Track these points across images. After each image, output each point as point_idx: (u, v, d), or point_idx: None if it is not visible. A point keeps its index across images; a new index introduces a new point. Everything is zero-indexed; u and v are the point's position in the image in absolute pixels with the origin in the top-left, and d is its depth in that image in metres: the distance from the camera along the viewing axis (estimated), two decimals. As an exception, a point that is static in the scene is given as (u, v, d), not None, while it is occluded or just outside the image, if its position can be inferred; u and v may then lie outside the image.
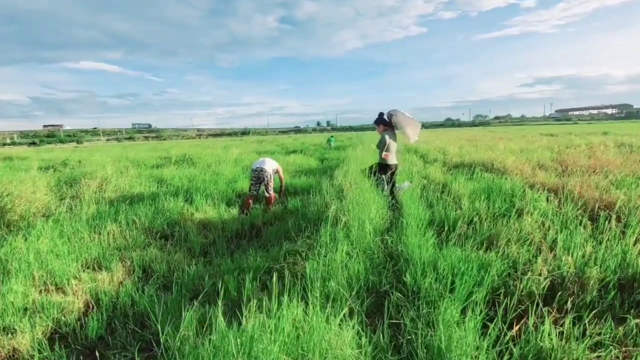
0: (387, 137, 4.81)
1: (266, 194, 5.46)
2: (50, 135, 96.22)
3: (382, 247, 3.11)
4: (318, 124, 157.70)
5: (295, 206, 5.33)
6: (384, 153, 4.80)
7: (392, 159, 4.86)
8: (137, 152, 16.00)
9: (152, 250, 3.75)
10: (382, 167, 4.88)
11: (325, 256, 2.66)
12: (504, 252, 2.85)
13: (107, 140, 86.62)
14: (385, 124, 4.94)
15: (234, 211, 5.34)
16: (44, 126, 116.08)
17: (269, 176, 5.42)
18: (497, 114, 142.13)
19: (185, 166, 9.28)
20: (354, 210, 3.56)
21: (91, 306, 2.80)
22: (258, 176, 5.41)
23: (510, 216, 3.60)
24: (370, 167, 5.17)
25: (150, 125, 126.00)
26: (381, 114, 4.97)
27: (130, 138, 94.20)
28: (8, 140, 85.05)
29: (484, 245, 3.07)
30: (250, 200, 5.47)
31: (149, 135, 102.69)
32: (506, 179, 5.60)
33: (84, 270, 3.41)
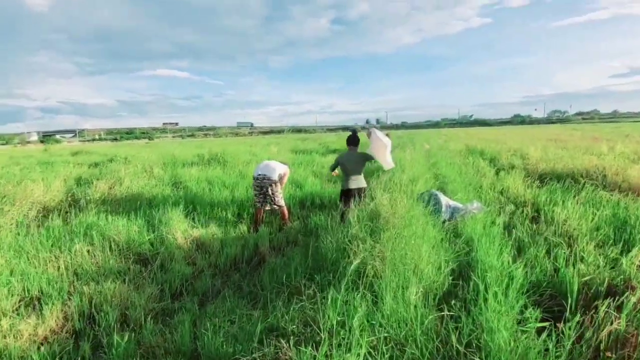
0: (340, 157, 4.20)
1: (274, 206, 4.28)
2: (129, 133, 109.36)
3: (438, 340, 1.66)
4: (367, 121, 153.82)
5: (317, 224, 4.05)
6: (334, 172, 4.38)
7: (346, 183, 4.03)
8: (185, 149, 16.13)
9: (110, 286, 2.74)
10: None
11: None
12: None
13: (173, 137, 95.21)
14: (349, 143, 4.19)
15: (244, 225, 4.27)
16: (164, 124, 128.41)
17: (273, 185, 4.23)
18: (580, 109, 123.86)
19: (215, 165, 8.55)
20: (392, 254, 2.15)
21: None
22: (260, 185, 4.25)
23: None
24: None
25: (252, 124, 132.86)
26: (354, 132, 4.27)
27: (191, 135, 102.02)
28: (96, 137, 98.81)
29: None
30: (260, 214, 4.34)
31: (208, 133, 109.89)
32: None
33: (15, 310, 2.55)
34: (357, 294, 1.83)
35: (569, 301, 1.83)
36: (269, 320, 1.98)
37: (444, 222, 3.12)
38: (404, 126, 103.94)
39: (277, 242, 3.84)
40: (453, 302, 1.86)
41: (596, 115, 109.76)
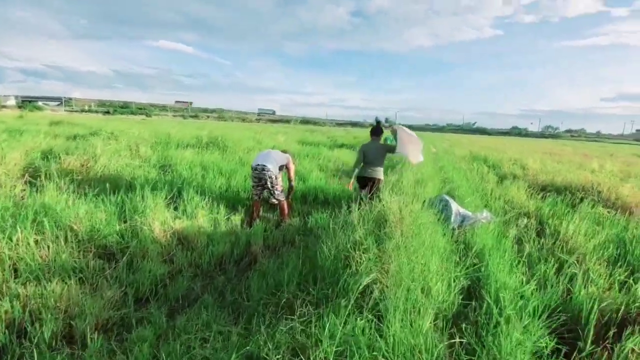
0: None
1: (273, 200, 4.10)
2: (124, 107, 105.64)
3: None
4: (377, 119, 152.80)
5: (319, 224, 3.91)
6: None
7: (362, 170, 4.21)
8: (184, 129, 15.73)
9: (56, 287, 2.21)
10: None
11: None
12: None
13: (174, 116, 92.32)
14: (373, 133, 4.36)
15: (237, 218, 4.08)
16: (176, 102, 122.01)
17: (273, 176, 4.01)
18: (569, 127, 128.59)
19: (213, 150, 8.34)
20: (399, 268, 2.04)
21: None
22: (259, 177, 4.02)
23: None
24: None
25: (274, 112, 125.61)
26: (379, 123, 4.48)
27: (195, 116, 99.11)
28: (86, 108, 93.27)
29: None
30: (257, 208, 4.16)
31: (212, 115, 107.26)
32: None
33: None
34: (361, 320, 1.64)
35: (585, 330, 1.77)
36: (249, 346, 1.69)
37: (452, 229, 3.05)
38: (412, 128, 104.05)
39: (273, 241, 3.62)
40: (464, 325, 1.76)
41: (582, 134, 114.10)
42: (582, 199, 4.69)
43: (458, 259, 2.42)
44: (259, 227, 3.71)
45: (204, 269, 3.04)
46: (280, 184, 4.13)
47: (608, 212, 4.19)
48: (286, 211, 4.22)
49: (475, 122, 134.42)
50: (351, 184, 4.36)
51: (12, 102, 75.39)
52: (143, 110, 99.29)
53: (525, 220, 3.61)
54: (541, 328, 1.74)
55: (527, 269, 2.46)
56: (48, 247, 2.70)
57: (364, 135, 19.84)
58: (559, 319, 1.83)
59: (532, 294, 2.03)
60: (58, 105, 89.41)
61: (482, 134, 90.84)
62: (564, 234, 3.20)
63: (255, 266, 3.04)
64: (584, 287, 2.18)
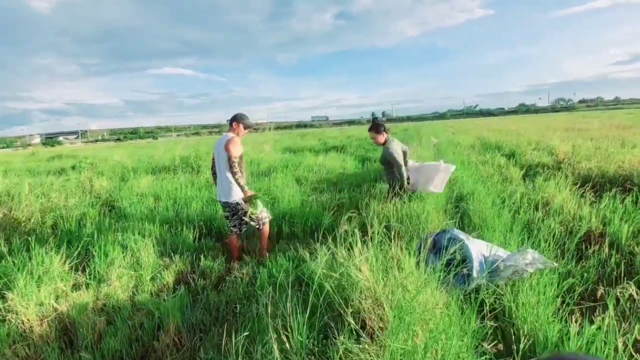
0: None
1: (255, 226, 3.16)
2: (134, 132, 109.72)
3: None
4: (373, 115, 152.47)
5: (283, 268, 2.61)
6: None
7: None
8: (170, 149, 14.80)
9: None
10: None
11: None
12: None
13: (178, 136, 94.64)
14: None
15: (171, 273, 2.86)
16: (225, 120, 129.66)
17: (237, 205, 3.08)
18: (583, 97, 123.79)
19: (179, 172, 7.21)
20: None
21: None
22: (230, 209, 3.12)
23: None
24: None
25: (327, 118, 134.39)
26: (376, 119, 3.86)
27: (196, 133, 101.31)
28: (99, 137, 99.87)
29: None
30: (234, 241, 3.19)
31: (213, 131, 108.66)
32: None
33: None
34: None
35: None
36: None
37: (477, 288, 1.73)
38: (409, 119, 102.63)
39: (200, 315, 2.35)
40: None
41: (600, 103, 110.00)
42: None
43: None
44: (177, 300, 2.43)
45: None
46: (258, 205, 3.11)
47: None
48: (265, 240, 3.21)
49: (477, 105, 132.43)
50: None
51: (36, 140, 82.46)
52: (150, 134, 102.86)
53: (553, 225, 2.21)
54: None
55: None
56: None
57: (358, 134, 18.48)
58: None
59: None
60: (76, 138, 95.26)
61: (486, 115, 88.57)
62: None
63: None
64: None
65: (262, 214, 3.13)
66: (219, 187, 3.12)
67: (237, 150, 2.97)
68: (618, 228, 2.58)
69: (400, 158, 3.36)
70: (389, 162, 3.42)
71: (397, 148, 3.44)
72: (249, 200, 3.05)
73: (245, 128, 3.13)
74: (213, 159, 3.23)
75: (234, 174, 2.93)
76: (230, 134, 3.06)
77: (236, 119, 3.10)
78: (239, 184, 2.97)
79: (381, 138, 3.46)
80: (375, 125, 3.48)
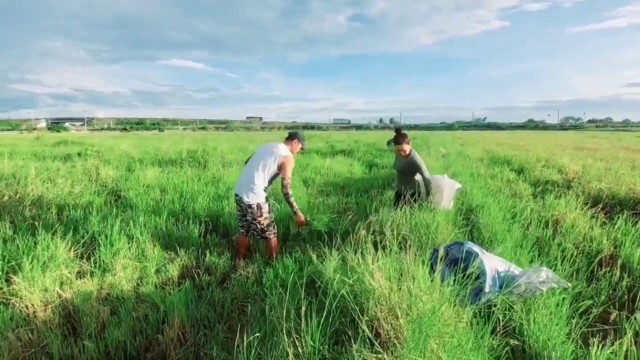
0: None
1: (258, 238, 3.07)
2: (140, 123, 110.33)
3: None
4: (380, 121, 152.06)
5: (291, 270, 2.61)
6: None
7: None
8: (177, 142, 14.85)
9: None
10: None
11: None
12: None
13: (184, 129, 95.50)
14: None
15: (176, 267, 2.86)
16: (247, 117, 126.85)
17: (255, 208, 2.92)
18: (593, 117, 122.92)
19: (185, 166, 7.22)
20: None
21: None
22: (240, 207, 3.01)
23: None
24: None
25: (349, 121, 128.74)
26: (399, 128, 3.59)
27: (203, 128, 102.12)
28: (105, 126, 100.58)
29: None
30: (242, 239, 3.12)
31: (220, 126, 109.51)
32: None
33: None
34: None
35: None
36: None
37: (489, 304, 1.71)
38: (417, 127, 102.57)
39: (206, 311, 2.36)
40: None
41: (609, 123, 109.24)
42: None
43: None
44: (182, 294, 2.43)
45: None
46: (265, 216, 2.96)
47: None
48: (274, 248, 3.09)
49: (485, 118, 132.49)
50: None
51: (42, 124, 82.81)
52: (156, 125, 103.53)
53: (563, 243, 2.17)
54: None
55: None
56: None
57: (366, 139, 18.46)
58: None
59: None
60: (81, 125, 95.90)
61: (494, 129, 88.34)
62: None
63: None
64: None
65: (268, 227, 2.98)
66: (241, 181, 3.03)
67: (291, 171, 2.92)
68: (630, 251, 2.54)
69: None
70: (412, 168, 3.41)
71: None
72: (308, 224, 3.02)
73: (300, 149, 3.12)
74: (251, 155, 3.19)
75: (287, 196, 2.86)
76: (287, 149, 2.99)
77: (297, 137, 3.07)
78: (292, 206, 2.93)
79: (408, 148, 3.41)
80: (401, 135, 3.43)
